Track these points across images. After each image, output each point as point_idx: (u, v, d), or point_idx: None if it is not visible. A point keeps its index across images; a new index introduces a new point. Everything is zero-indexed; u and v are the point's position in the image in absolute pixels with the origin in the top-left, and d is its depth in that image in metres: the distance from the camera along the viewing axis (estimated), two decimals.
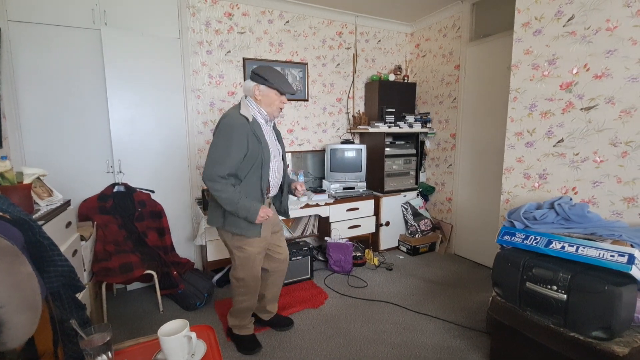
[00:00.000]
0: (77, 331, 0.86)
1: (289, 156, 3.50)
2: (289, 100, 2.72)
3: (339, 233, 3.37)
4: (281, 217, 2.25)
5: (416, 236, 3.67)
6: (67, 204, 1.93)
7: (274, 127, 2.05)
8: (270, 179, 1.92)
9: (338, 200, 3.32)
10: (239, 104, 1.87)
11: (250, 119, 1.81)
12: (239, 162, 1.78)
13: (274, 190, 2.02)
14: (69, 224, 1.89)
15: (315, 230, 3.61)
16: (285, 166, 2.10)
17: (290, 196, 2.57)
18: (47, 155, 2.57)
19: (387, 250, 3.76)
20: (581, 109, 1.95)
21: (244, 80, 3.27)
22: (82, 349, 0.85)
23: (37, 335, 0.79)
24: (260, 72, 1.82)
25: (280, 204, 2.14)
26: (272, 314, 2.30)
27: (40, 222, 1.52)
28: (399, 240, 3.80)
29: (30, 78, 2.48)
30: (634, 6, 1.71)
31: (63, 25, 2.53)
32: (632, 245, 1.48)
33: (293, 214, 2.94)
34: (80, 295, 1.85)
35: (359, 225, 3.49)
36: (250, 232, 1.87)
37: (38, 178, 1.79)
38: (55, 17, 2.50)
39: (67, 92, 2.59)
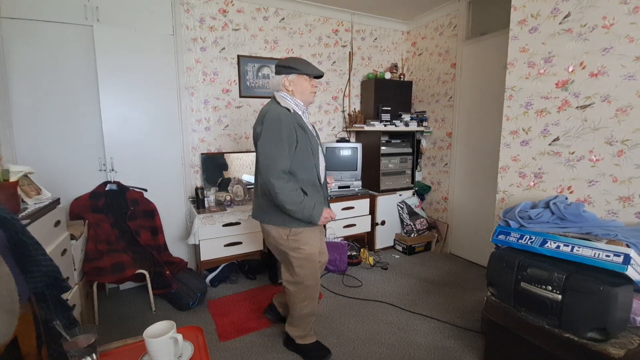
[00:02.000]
0: (61, 332, 0.84)
1: None
2: None
3: (334, 232, 3.35)
4: None
5: (412, 235, 3.66)
6: (56, 202, 1.90)
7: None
8: (320, 169, 1.86)
9: (333, 199, 3.29)
10: (273, 99, 1.81)
11: (292, 111, 1.76)
12: (292, 155, 1.71)
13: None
14: (57, 223, 1.86)
15: None
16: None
17: None
18: (39, 153, 2.53)
19: (383, 249, 3.75)
20: (577, 107, 1.94)
21: (239, 77, 3.25)
22: (66, 350, 0.83)
23: (21, 336, 0.76)
24: (285, 63, 1.78)
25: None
26: None
27: (26, 221, 1.50)
28: (394, 240, 3.79)
29: (22, 75, 2.44)
30: (630, 3, 1.70)
31: (55, 22, 2.49)
32: (627, 245, 1.46)
33: None
34: (70, 295, 1.82)
35: (354, 225, 3.47)
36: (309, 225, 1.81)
37: (26, 176, 1.76)
38: (47, 14, 2.46)
39: (59, 89, 2.56)
